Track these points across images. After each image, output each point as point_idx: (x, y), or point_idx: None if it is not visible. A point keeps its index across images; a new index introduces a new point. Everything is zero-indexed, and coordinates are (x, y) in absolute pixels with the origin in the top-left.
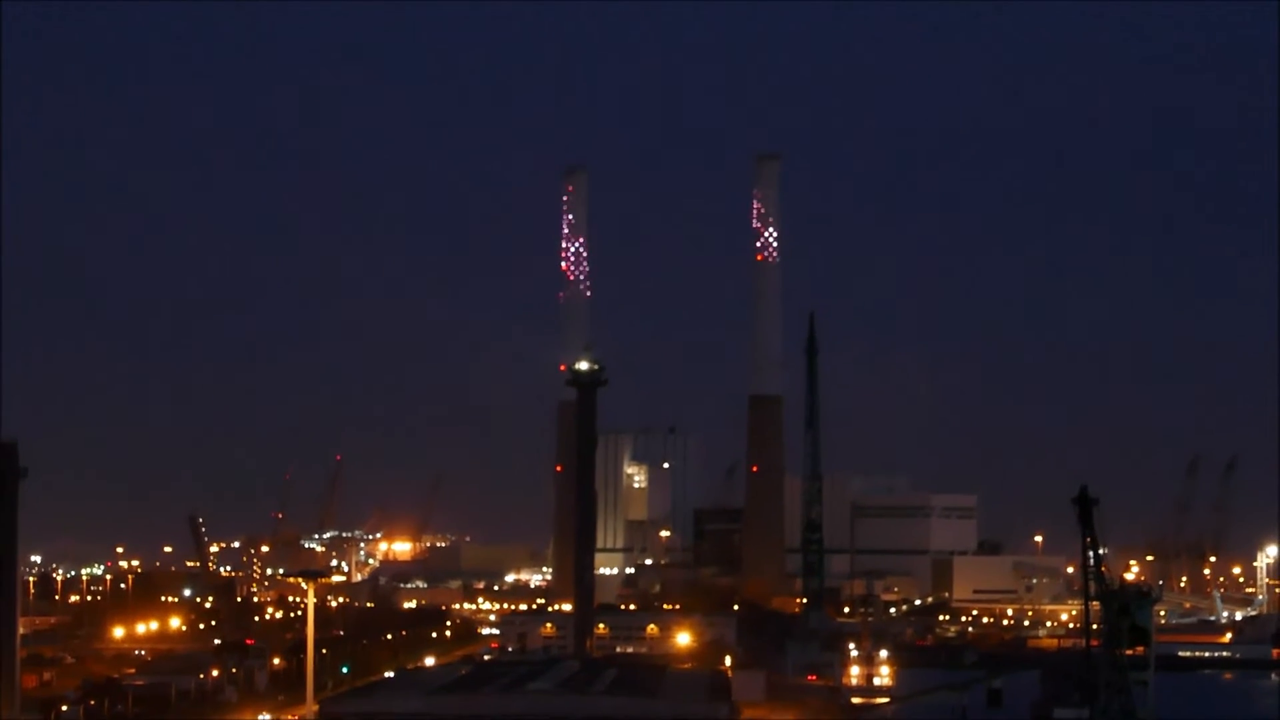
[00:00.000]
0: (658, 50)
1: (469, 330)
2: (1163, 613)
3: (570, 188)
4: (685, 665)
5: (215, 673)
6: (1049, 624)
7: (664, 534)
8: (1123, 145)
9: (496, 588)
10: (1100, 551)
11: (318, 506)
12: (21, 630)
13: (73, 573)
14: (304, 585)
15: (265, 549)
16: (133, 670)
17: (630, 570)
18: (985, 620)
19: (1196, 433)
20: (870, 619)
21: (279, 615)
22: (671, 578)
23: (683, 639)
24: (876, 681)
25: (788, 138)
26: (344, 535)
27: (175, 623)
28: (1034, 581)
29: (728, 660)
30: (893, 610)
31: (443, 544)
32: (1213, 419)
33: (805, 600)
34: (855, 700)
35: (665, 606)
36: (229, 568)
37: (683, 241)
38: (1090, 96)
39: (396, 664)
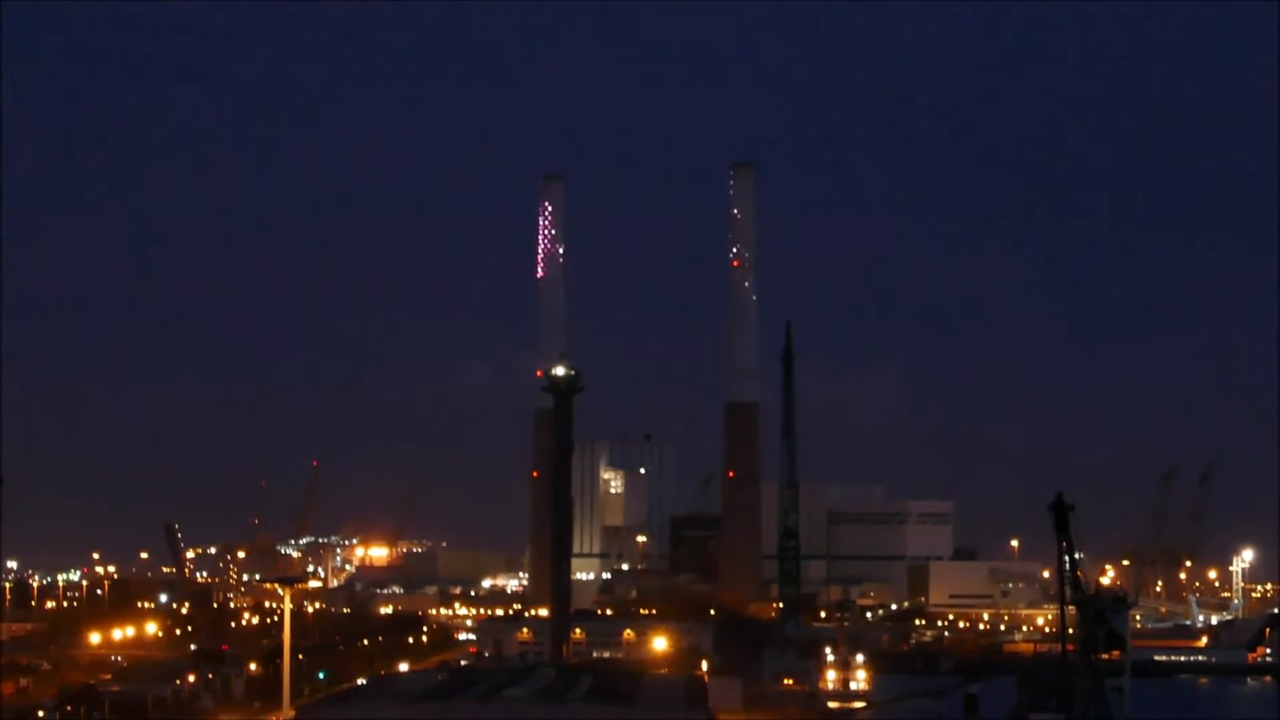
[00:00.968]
0: (633, 56)
1: (445, 337)
2: (1139, 618)
3: (547, 197)
4: (662, 671)
5: (192, 679)
6: (1025, 629)
7: (640, 540)
8: (1096, 147)
9: (473, 594)
10: (1076, 557)
11: (294, 513)
12: None
13: (49, 579)
14: (281, 592)
15: (242, 555)
16: (109, 677)
17: (607, 576)
18: (961, 625)
19: (1173, 440)
20: (847, 625)
21: (255, 622)
22: (648, 584)
23: (659, 645)
24: (853, 687)
25: (764, 145)
26: (321, 542)
27: (151, 629)
28: (1010, 587)
29: (704, 666)
30: (869, 616)
31: (419, 550)
32: (1189, 426)
33: (782, 606)
34: (832, 705)
35: (642, 613)
36: (205, 574)
37: (659, 249)
38: (1064, 99)
39: (373, 670)
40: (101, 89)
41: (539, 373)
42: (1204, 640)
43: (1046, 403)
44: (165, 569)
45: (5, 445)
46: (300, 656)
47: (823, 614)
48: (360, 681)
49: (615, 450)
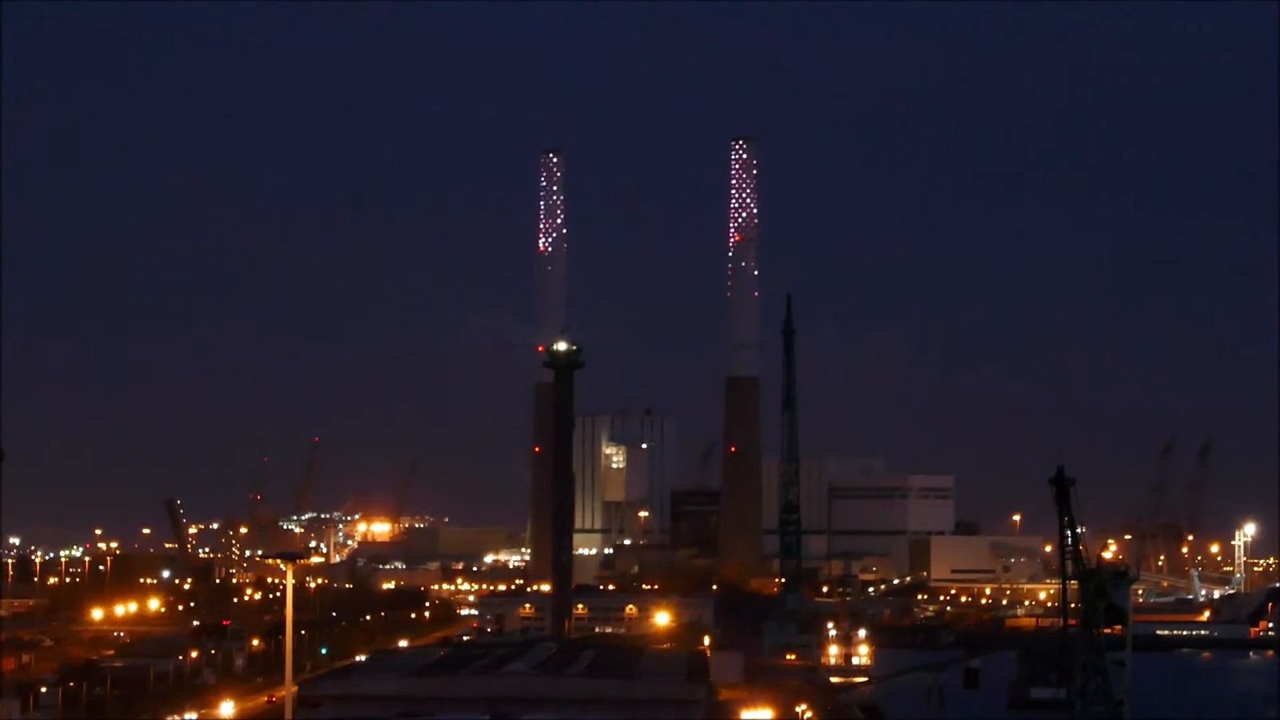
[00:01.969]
0: (635, 29)
1: (446, 312)
2: (1140, 592)
3: (547, 169)
4: (663, 646)
5: (194, 655)
6: (1026, 603)
7: (642, 515)
8: (1098, 122)
9: (475, 569)
10: (1078, 531)
11: (296, 489)
12: (0, 613)
13: (51, 555)
14: (282, 567)
15: (243, 531)
16: (111, 652)
17: (608, 551)
18: (963, 600)
19: (1173, 413)
20: (848, 599)
21: (257, 597)
22: (649, 559)
23: (661, 620)
24: (854, 661)
25: (765, 118)
26: (322, 517)
27: (153, 605)
28: (1011, 561)
29: (706, 641)
30: (870, 591)
31: (421, 525)
32: (1190, 399)
33: (783, 581)
34: (833, 680)
35: (643, 587)
36: (207, 550)
37: (660, 223)
38: (1068, 76)
39: (375, 645)
40: (99, 60)
41: (540, 348)
42: (1206, 615)
43: (1047, 376)
44: (167, 545)
45: (7, 420)
46: (302, 632)
47: (824, 589)
48: (358, 658)
49: (616, 425)
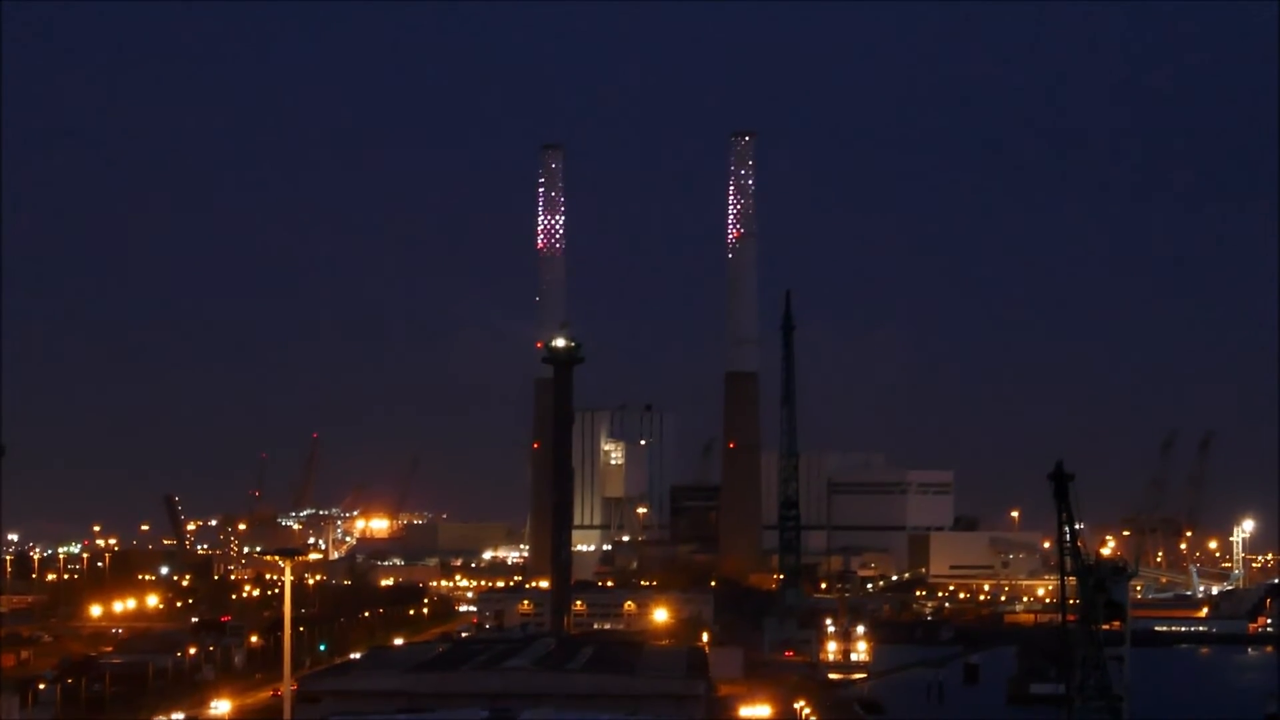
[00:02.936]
0: (633, 26)
1: (445, 308)
2: (1139, 588)
3: (546, 165)
4: (663, 642)
5: (193, 651)
6: (1025, 599)
7: (641, 511)
8: (1098, 118)
9: (474, 565)
10: (1076, 527)
11: (295, 485)
12: None
13: (49, 551)
14: (281, 563)
15: (242, 527)
16: (110, 649)
17: (608, 547)
18: (962, 596)
19: (1172, 408)
20: (847, 595)
21: (256, 593)
22: (649, 555)
23: (660, 616)
24: (854, 657)
25: (764, 113)
26: (321, 513)
27: (152, 601)
28: (1010, 557)
29: (705, 637)
30: (870, 586)
31: (420, 522)
32: (1189, 394)
33: (782, 577)
34: (832, 676)
35: (643, 583)
36: (206, 546)
37: (659, 218)
38: (1066, 68)
39: (374, 642)
40: (99, 34)
41: (539, 344)
42: (1205, 610)
43: (1047, 371)
44: (166, 541)
45: (6, 416)
46: (301, 628)
47: (823, 584)
48: (354, 656)
49: (615, 420)
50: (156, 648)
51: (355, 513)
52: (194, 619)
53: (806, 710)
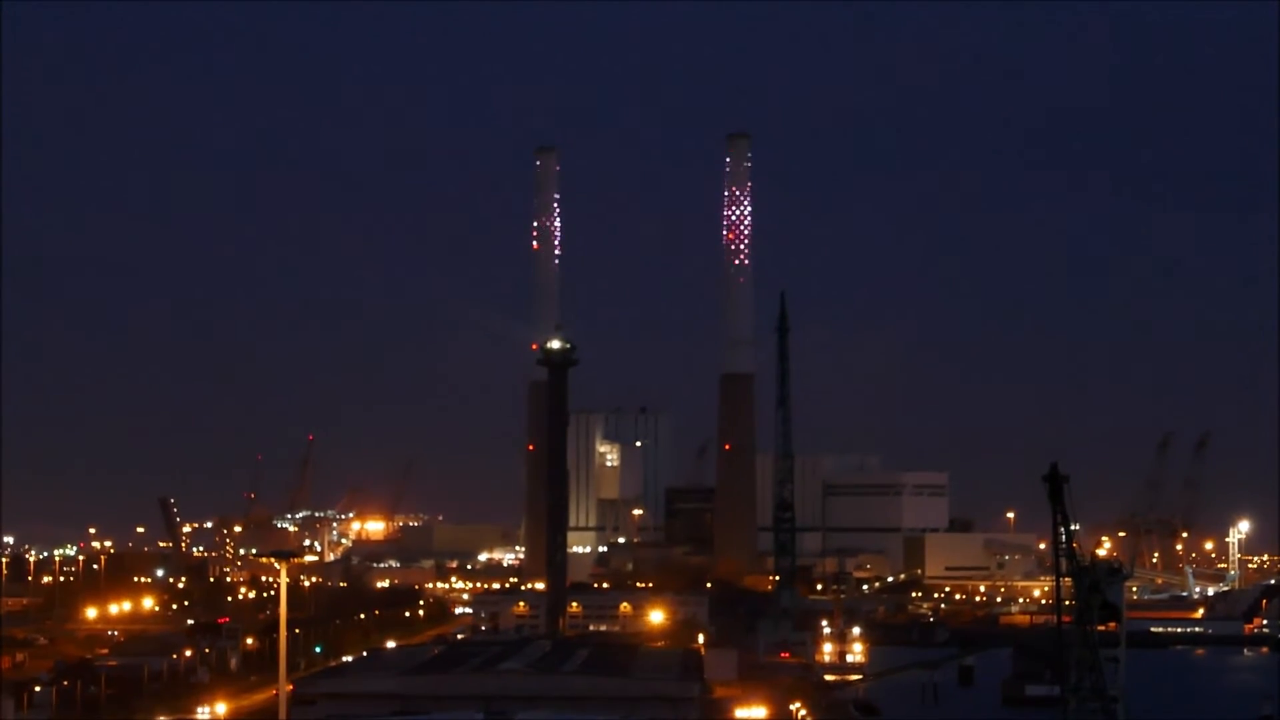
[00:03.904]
0: (627, 29)
1: (440, 310)
2: (1134, 589)
3: (541, 167)
4: (658, 644)
5: (188, 653)
6: (1020, 600)
7: (636, 513)
8: (1097, 118)
9: (469, 567)
10: (1072, 528)
11: (290, 487)
12: None
13: (45, 554)
14: (277, 565)
15: (238, 529)
16: (105, 651)
17: (603, 549)
18: (957, 597)
19: (1168, 410)
20: (842, 597)
21: (252, 596)
22: (644, 556)
23: (655, 618)
24: (849, 659)
25: (758, 116)
26: (316, 515)
27: (148, 604)
28: (1005, 559)
29: (700, 639)
30: (865, 588)
31: (415, 524)
32: (1184, 396)
33: (777, 578)
34: (828, 678)
35: (638, 585)
36: (201, 548)
37: (654, 220)
38: (1066, 75)
39: (369, 644)
40: (98, 60)
41: (534, 346)
42: (1200, 611)
43: (1042, 373)
44: (161, 543)
45: (6, 417)
46: (297, 630)
47: (818, 586)
48: (346, 659)
49: (610, 422)
50: (152, 650)
51: (350, 515)
52: (189, 621)
53: (802, 712)
